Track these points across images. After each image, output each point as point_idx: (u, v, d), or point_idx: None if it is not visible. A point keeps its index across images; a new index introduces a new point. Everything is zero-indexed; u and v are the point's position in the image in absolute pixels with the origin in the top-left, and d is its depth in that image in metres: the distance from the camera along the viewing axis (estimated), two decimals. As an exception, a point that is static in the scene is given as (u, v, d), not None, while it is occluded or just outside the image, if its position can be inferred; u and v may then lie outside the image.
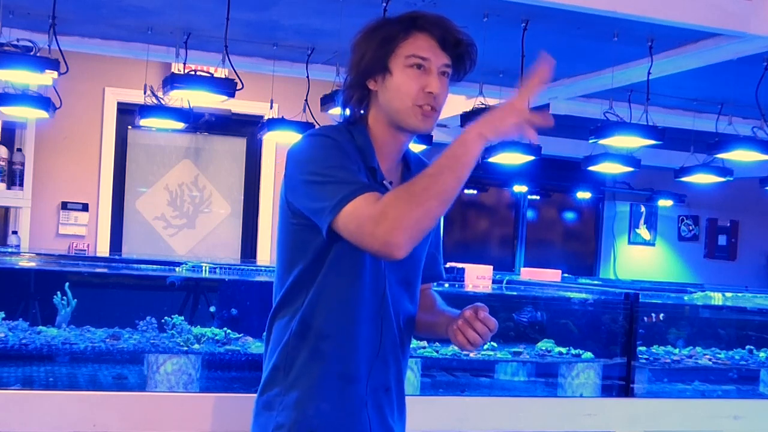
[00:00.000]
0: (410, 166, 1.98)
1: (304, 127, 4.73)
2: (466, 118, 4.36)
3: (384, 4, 3.79)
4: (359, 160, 1.85)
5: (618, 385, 3.31)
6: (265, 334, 1.96)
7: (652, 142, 4.42)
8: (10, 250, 5.22)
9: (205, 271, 3.34)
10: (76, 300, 3.11)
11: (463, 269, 3.45)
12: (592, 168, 5.25)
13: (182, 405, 2.72)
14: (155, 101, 4.55)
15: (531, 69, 1.74)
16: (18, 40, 3.86)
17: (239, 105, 6.00)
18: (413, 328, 2.03)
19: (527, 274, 4.50)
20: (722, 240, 9.02)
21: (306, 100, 4.78)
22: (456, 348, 3.31)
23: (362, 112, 1.93)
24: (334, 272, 1.84)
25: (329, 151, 1.80)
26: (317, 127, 1.98)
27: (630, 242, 8.97)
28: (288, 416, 1.85)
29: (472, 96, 4.68)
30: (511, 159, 4.99)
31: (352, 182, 1.74)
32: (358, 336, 1.87)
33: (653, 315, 3.60)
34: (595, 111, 5.09)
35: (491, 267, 3.51)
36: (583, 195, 8.54)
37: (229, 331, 3.06)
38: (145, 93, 4.58)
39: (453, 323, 1.88)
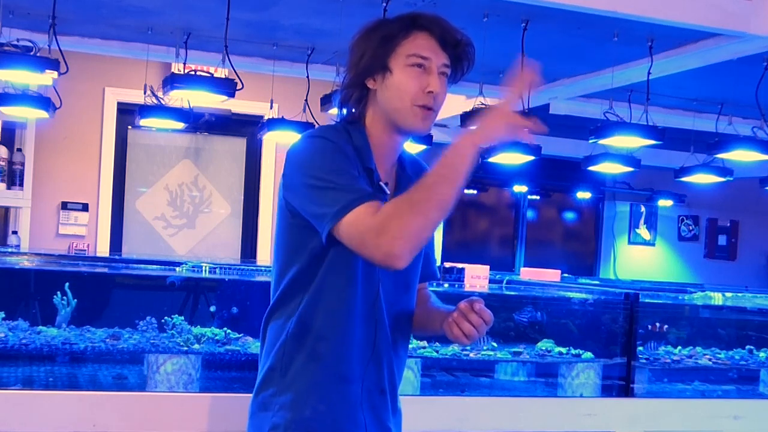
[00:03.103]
0: (405, 167, 1.98)
1: (304, 127, 4.73)
2: (466, 118, 4.36)
3: (384, 4, 3.79)
4: (357, 161, 1.85)
5: (618, 385, 3.31)
6: (260, 333, 1.96)
7: (652, 142, 4.41)
8: (10, 250, 5.22)
9: (205, 271, 3.34)
10: (76, 300, 3.11)
11: (463, 269, 3.45)
12: (592, 168, 5.25)
13: (182, 405, 2.72)
14: (155, 101, 4.55)
15: (515, 71, 1.73)
16: (18, 40, 3.86)
17: (239, 105, 6.00)
18: (410, 329, 2.03)
19: (527, 274, 4.50)
20: (722, 240, 9.02)
21: (306, 100, 4.78)
22: (456, 348, 3.33)
23: (360, 112, 1.93)
24: (331, 273, 1.84)
25: (330, 155, 1.80)
26: (317, 127, 1.96)
27: (630, 242, 8.96)
28: (283, 417, 1.85)
29: (472, 96, 4.68)
30: (511, 159, 4.99)
31: (354, 189, 1.74)
32: (353, 337, 1.87)
33: (657, 324, 3.61)
34: (595, 111, 5.09)
35: (488, 267, 3.51)
36: (583, 195, 8.54)
37: (229, 331, 3.06)
38: (145, 93, 4.58)
39: (448, 317, 1.88)
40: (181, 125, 4.71)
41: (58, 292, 3.09)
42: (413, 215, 1.68)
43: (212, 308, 3.32)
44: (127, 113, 6.13)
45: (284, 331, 1.88)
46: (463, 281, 3.42)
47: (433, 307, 2.05)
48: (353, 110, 1.93)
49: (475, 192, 8.46)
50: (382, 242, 1.68)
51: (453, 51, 1.87)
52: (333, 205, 1.74)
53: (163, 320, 3.08)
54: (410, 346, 2.11)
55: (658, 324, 3.61)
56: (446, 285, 3.36)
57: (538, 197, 8.71)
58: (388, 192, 1.90)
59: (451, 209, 1.72)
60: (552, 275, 4.31)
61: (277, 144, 6.47)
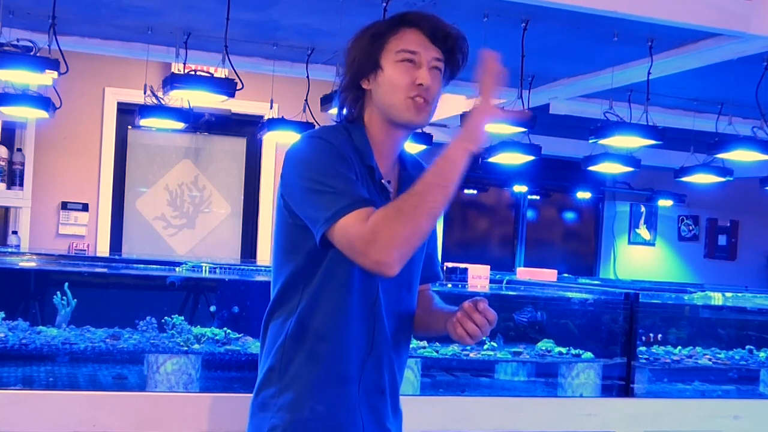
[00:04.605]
0: (406, 166, 1.98)
1: (304, 127, 4.73)
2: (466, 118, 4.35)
3: (384, 4, 3.79)
4: (357, 161, 1.86)
5: (618, 385, 3.31)
6: (261, 332, 1.96)
7: (652, 142, 4.42)
8: (10, 250, 5.22)
9: (205, 271, 3.34)
10: (76, 300, 3.11)
11: (465, 269, 3.46)
12: (592, 168, 5.25)
13: (182, 405, 2.72)
14: (155, 101, 4.55)
15: (479, 69, 1.74)
16: (18, 40, 3.86)
17: (239, 105, 6.00)
18: (411, 329, 2.03)
19: (523, 273, 4.50)
20: (722, 240, 9.02)
21: (306, 100, 4.79)
22: (456, 348, 3.33)
23: (358, 113, 1.94)
24: (329, 273, 1.83)
25: (328, 158, 1.80)
26: (317, 127, 1.97)
27: (630, 242, 8.97)
28: (282, 418, 1.85)
29: (472, 96, 4.68)
30: (511, 159, 4.99)
31: (349, 194, 1.75)
32: (350, 337, 1.87)
33: (651, 335, 3.63)
34: (595, 111, 5.09)
35: (488, 267, 3.52)
36: (583, 195, 8.55)
37: (229, 331, 3.06)
38: (145, 93, 4.58)
39: (452, 317, 1.88)
40: (181, 125, 4.71)
41: (58, 292, 3.09)
42: (403, 223, 1.68)
43: (212, 308, 3.31)
44: (127, 113, 6.14)
45: (284, 331, 1.88)
46: (466, 281, 3.43)
47: (436, 308, 2.05)
48: (352, 112, 1.95)
49: (475, 192, 8.46)
50: (372, 251, 1.69)
51: (444, 44, 1.88)
52: (327, 209, 1.75)
53: (163, 320, 3.08)
54: (410, 345, 2.10)
55: (651, 335, 3.62)
56: (449, 285, 3.37)
57: (538, 197, 8.71)
58: (390, 190, 1.91)
59: (439, 217, 1.72)
60: (548, 275, 4.32)
61: (277, 144, 6.47)
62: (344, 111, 1.96)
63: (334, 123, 1.99)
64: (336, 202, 1.74)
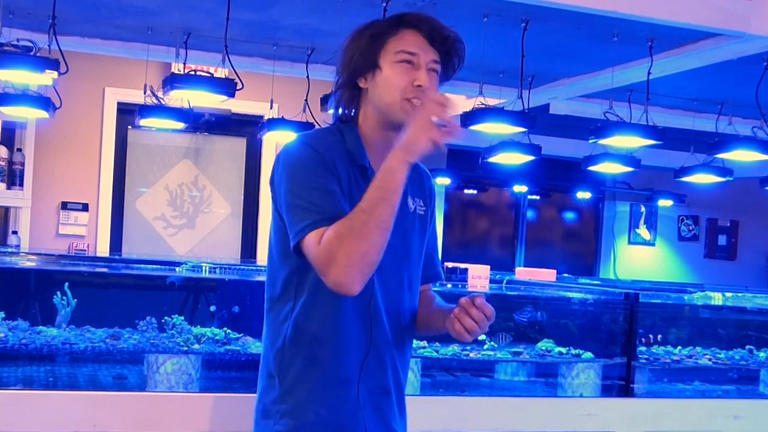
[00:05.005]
0: None
1: (304, 127, 4.73)
2: (466, 118, 4.35)
3: (384, 4, 3.79)
4: (348, 163, 1.87)
5: (618, 385, 3.31)
6: (262, 334, 1.97)
7: (652, 142, 4.41)
8: (10, 250, 5.22)
9: (205, 271, 3.34)
10: (76, 300, 3.11)
11: (465, 269, 3.46)
12: (592, 168, 5.25)
13: (182, 405, 2.72)
14: (155, 101, 4.55)
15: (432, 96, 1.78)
16: (18, 40, 3.86)
17: (239, 105, 6.00)
18: (414, 328, 2.03)
19: (522, 273, 4.50)
20: (722, 240, 9.02)
21: (306, 100, 4.79)
22: (456, 348, 3.33)
23: (353, 111, 1.95)
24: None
25: (313, 168, 1.82)
26: (310, 131, 1.97)
27: (630, 242, 8.97)
28: (286, 424, 1.86)
29: (472, 96, 4.68)
30: (511, 159, 4.99)
31: (318, 211, 1.77)
32: (348, 338, 1.87)
33: (651, 335, 3.63)
34: (595, 111, 5.08)
35: (488, 267, 3.52)
36: (583, 195, 8.54)
37: (229, 331, 3.06)
38: (145, 93, 4.58)
39: (450, 314, 1.89)
40: (181, 125, 4.71)
41: (58, 292, 3.09)
42: (355, 241, 1.70)
43: (212, 308, 3.32)
44: (127, 113, 6.14)
45: (281, 335, 1.89)
46: (466, 281, 3.43)
47: (437, 307, 2.05)
48: (347, 110, 1.95)
49: (475, 192, 8.47)
50: (331, 272, 1.71)
51: (442, 47, 1.90)
52: (299, 222, 1.78)
53: (163, 320, 3.08)
54: (412, 346, 2.10)
55: (651, 335, 3.62)
56: (449, 285, 3.37)
57: (538, 197, 8.71)
58: None
59: (390, 229, 1.73)
60: (547, 275, 4.32)
61: (277, 144, 6.47)
62: (339, 110, 1.97)
63: (328, 125, 2.00)
64: (306, 216, 1.77)
